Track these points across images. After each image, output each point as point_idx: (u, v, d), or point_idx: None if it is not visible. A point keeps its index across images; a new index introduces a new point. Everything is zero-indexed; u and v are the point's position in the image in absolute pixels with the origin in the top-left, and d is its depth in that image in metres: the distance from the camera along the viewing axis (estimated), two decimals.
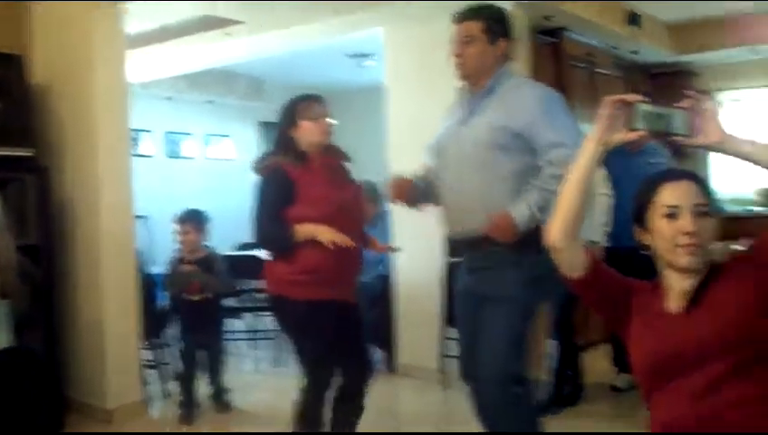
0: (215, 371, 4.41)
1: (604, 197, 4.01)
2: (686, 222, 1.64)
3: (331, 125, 2.96)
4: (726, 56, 7.28)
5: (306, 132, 2.93)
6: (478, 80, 2.68)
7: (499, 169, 2.56)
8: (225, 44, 5.86)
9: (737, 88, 7.45)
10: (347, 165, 3.10)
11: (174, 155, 8.29)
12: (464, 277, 2.75)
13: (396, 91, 5.06)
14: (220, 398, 4.41)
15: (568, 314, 4.16)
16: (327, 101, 3.02)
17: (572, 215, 1.73)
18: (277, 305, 3.01)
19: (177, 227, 4.37)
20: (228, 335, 5.25)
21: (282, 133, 2.98)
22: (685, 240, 1.63)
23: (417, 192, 2.81)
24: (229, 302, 5.22)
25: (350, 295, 3.00)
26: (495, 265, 2.59)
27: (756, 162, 1.58)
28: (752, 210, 7.12)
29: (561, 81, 5.73)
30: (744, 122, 7.20)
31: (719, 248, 3.44)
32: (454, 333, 4.60)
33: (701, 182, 1.71)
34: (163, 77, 7.26)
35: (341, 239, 2.76)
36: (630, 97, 1.63)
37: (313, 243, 2.80)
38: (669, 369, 1.63)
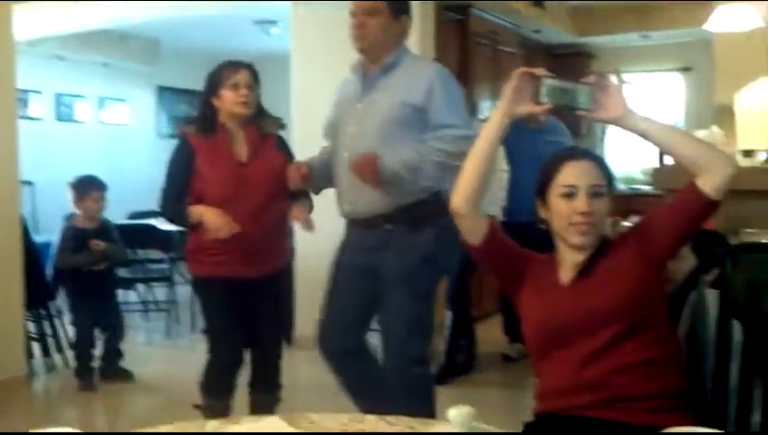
0: (116, 340, 4.31)
1: (503, 173, 4.10)
2: (581, 202, 1.69)
3: (252, 96, 2.80)
4: (621, 40, 7.59)
5: (225, 102, 2.79)
6: (378, 55, 2.64)
7: (400, 147, 2.54)
8: (121, 3, 5.58)
9: (631, 71, 7.78)
10: (276, 135, 2.95)
11: (65, 118, 7.87)
12: (357, 254, 2.70)
13: (300, 61, 4.98)
14: (121, 368, 4.32)
15: (463, 285, 4.25)
16: (257, 71, 2.87)
17: (476, 183, 1.76)
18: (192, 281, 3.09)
19: (73, 193, 4.18)
20: (121, 307, 5.08)
21: (202, 100, 2.87)
22: (579, 219, 1.69)
23: (315, 176, 2.76)
24: (121, 272, 5.05)
25: (249, 271, 2.83)
26: (393, 245, 2.58)
27: (650, 139, 1.66)
28: (638, 189, 7.49)
29: (465, 57, 5.80)
30: (637, 104, 7.53)
31: (609, 224, 3.62)
32: None
33: (600, 163, 1.78)
34: (53, 34, 6.84)
35: (225, 227, 2.65)
36: (537, 71, 1.67)
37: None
38: (558, 337, 1.69)
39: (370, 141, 2.58)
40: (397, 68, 2.63)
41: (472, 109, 5.10)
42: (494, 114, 1.75)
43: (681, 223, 1.66)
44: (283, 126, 3.00)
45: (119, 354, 4.34)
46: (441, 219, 2.56)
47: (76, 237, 4.16)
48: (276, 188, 2.80)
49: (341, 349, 2.75)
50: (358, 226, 2.70)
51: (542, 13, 6.63)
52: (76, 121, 7.96)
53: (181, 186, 2.80)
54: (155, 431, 1.19)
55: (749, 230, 3.41)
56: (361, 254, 2.67)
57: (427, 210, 2.57)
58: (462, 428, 0.96)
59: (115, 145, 8.05)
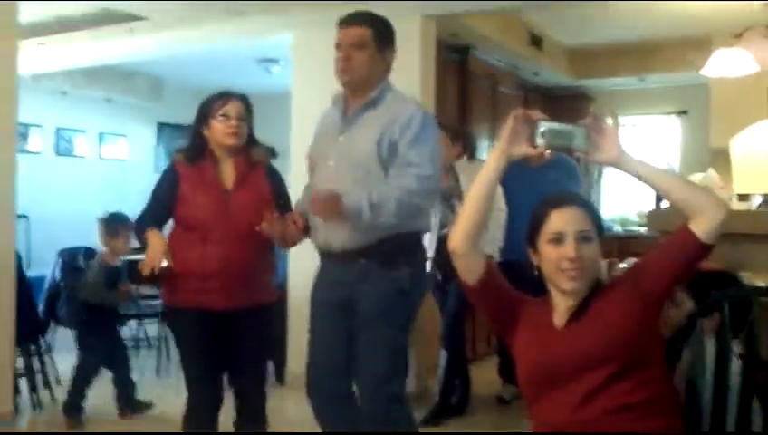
0: (127, 372, 4.33)
1: (500, 212, 4.12)
2: (569, 248, 1.71)
3: (242, 126, 2.80)
4: (619, 83, 7.69)
5: (215, 132, 2.79)
6: (362, 89, 2.61)
7: (377, 183, 2.50)
8: (127, 41, 5.66)
9: (628, 114, 7.86)
10: (267, 164, 2.92)
11: (65, 153, 7.91)
12: (333, 289, 2.62)
13: (301, 97, 5.03)
14: (137, 399, 4.33)
15: (458, 325, 4.23)
16: (249, 103, 2.87)
17: (475, 222, 1.79)
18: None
19: (104, 229, 4.21)
20: None
21: (193, 130, 2.88)
22: (567, 265, 1.71)
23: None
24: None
25: (227, 303, 2.72)
26: (369, 279, 2.53)
27: (644, 181, 1.68)
28: (634, 231, 7.52)
29: (464, 97, 5.88)
30: (634, 146, 7.59)
31: (605, 266, 3.62)
32: None
33: (587, 207, 1.80)
34: (57, 70, 6.93)
35: (150, 263, 2.62)
36: (534, 114, 1.71)
37: (179, 245, 2.73)
38: (552, 378, 1.70)
39: (349, 176, 2.53)
40: (380, 103, 2.61)
41: (471, 149, 5.12)
42: (491, 155, 1.78)
43: (674, 265, 1.68)
44: (274, 155, 2.97)
45: (132, 387, 4.33)
46: (414, 256, 2.62)
47: (108, 275, 4.17)
48: (260, 216, 2.70)
49: (332, 393, 2.65)
50: (333, 260, 2.62)
51: (540, 55, 6.73)
52: (75, 156, 8.00)
53: (160, 209, 2.82)
54: None
55: (744, 274, 3.42)
56: (337, 289, 2.60)
57: (402, 246, 2.55)
58: None
59: (113, 179, 8.09)
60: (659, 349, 1.73)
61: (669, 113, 7.94)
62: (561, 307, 1.76)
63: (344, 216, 2.43)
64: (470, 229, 1.79)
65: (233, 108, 2.79)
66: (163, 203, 2.81)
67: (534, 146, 1.70)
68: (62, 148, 7.89)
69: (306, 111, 4.92)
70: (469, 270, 1.81)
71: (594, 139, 1.68)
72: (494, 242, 3.97)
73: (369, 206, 2.42)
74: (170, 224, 2.87)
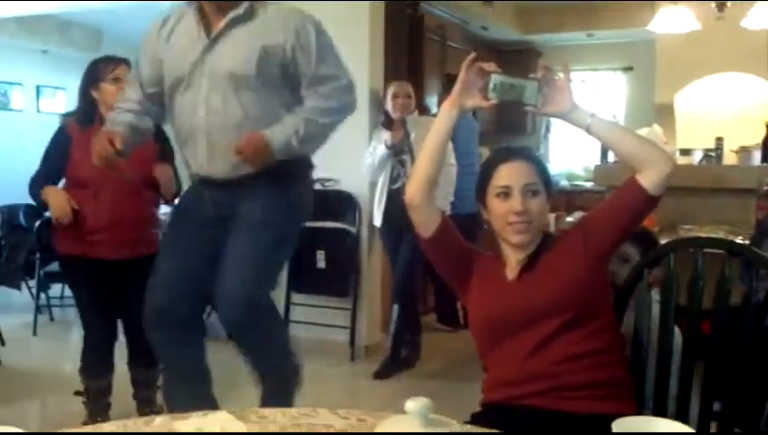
0: None
1: (450, 167, 4.14)
2: (516, 202, 1.73)
3: None
4: (567, 39, 7.75)
5: (105, 95, 2.89)
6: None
7: (262, 103, 2.30)
8: None
9: (575, 69, 7.94)
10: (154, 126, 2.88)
11: (1, 106, 7.61)
12: (207, 208, 2.40)
13: None
14: None
15: (411, 279, 4.27)
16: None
17: (430, 173, 1.79)
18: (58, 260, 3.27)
19: None
20: None
21: (82, 91, 2.97)
22: (514, 218, 1.73)
23: (129, 140, 2.43)
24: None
25: (121, 253, 2.93)
26: (249, 198, 2.34)
27: (594, 134, 1.70)
28: (580, 185, 7.67)
29: (414, 51, 5.83)
30: (581, 102, 7.71)
31: (553, 220, 3.69)
32: (299, 298, 4.64)
33: (534, 161, 1.81)
34: None
35: (59, 216, 2.82)
36: (487, 65, 1.70)
37: (73, 199, 2.87)
38: (503, 330, 1.72)
39: (223, 97, 2.29)
40: (258, 13, 2.32)
41: (421, 104, 5.12)
42: (443, 107, 1.78)
43: (622, 217, 1.71)
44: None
45: None
46: (302, 177, 2.50)
47: None
48: (147, 173, 2.91)
49: (178, 317, 2.39)
50: (212, 185, 2.39)
51: (489, 10, 6.71)
52: (12, 110, 7.70)
53: (52, 171, 2.95)
54: (101, 432, 1.16)
55: (687, 226, 3.53)
56: (211, 208, 2.40)
57: (290, 168, 2.39)
58: (419, 419, 0.96)
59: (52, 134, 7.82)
60: (608, 299, 1.77)
61: (615, 69, 8.05)
62: (512, 261, 1.78)
63: (273, 157, 2.27)
64: (425, 181, 1.79)
65: (123, 71, 2.87)
66: (55, 165, 2.94)
67: (486, 99, 1.70)
68: None
69: None
70: (424, 223, 1.81)
71: (546, 92, 1.68)
72: (444, 197, 4.00)
73: (299, 142, 2.29)
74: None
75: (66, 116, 3.13)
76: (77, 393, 3.13)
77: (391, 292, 4.42)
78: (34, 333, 5.01)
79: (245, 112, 2.29)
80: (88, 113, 2.94)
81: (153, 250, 2.98)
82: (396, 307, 4.28)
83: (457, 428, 1.08)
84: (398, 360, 4.29)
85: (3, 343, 4.56)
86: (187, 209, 2.53)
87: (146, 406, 3.14)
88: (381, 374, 4.18)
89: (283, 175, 2.36)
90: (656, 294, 1.82)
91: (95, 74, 2.92)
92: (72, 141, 2.92)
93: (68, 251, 3.01)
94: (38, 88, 7.95)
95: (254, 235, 2.33)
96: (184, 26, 2.37)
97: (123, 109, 2.50)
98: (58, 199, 2.85)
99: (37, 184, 2.95)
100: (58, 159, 2.93)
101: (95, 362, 3.08)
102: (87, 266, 2.96)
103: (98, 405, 3.09)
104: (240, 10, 2.29)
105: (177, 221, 2.56)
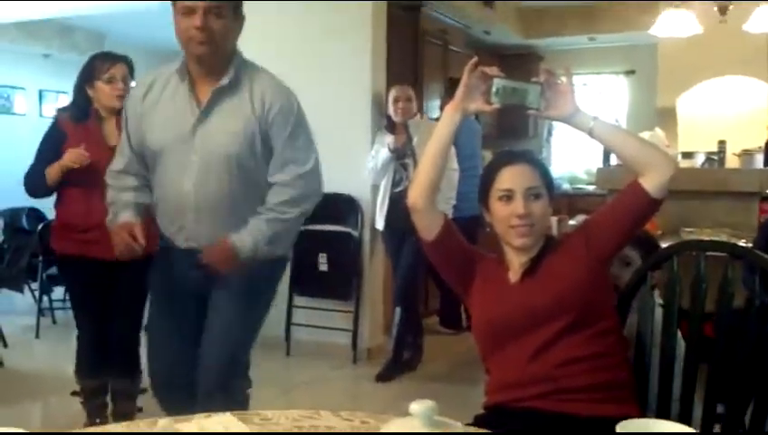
0: None
1: (452, 172, 4.14)
2: (518, 205, 1.73)
3: (127, 89, 2.85)
4: (569, 42, 7.76)
5: (99, 93, 2.92)
6: (215, 65, 2.17)
7: (251, 178, 2.24)
8: None
9: (577, 73, 7.94)
10: None
11: (4, 111, 7.63)
12: (184, 280, 2.32)
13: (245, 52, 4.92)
14: None
15: (413, 282, 4.28)
16: (132, 65, 2.98)
17: (432, 177, 1.79)
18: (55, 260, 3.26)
19: None
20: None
21: (77, 87, 2.98)
22: (517, 222, 1.73)
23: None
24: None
25: (107, 252, 2.58)
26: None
27: (597, 137, 1.70)
28: (582, 188, 7.67)
29: (416, 55, 5.83)
30: (583, 105, 7.72)
31: (555, 223, 3.69)
32: (301, 301, 4.64)
33: (537, 164, 1.81)
34: None
35: (76, 156, 2.80)
36: (489, 69, 1.70)
37: (68, 198, 2.92)
38: (505, 333, 1.72)
39: (210, 174, 2.20)
40: (241, 84, 2.20)
41: (421, 108, 5.12)
42: (446, 111, 1.78)
43: (624, 220, 1.71)
44: None
45: None
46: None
47: None
48: None
49: (179, 387, 2.34)
50: (193, 254, 2.28)
51: (491, 13, 6.72)
52: (15, 114, 7.71)
53: (45, 165, 2.91)
54: (105, 431, 1.17)
55: (689, 229, 3.53)
56: (193, 278, 2.29)
57: None
58: (424, 421, 0.96)
59: None
60: (610, 302, 1.77)
61: (618, 73, 8.05)
62: (515, 264, 1.78)
63: (239, 260, 2.21)
64: (428, 185, 1.80)
65: (119, 70, 2.90)
66: (50, 160, 2.90)
67: (489, 103, 1.70)
68: (1, 106, 7.60)
69: None
70: (427, 226, 1.81)
71: (548, 95, 1.69)
72: (446, 201, 4.00)
73: (266, 243, 2.23)
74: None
75: (61, 111, 3.12)
76: (74, 394, 3.15)
77: (393, 295, 4.42)
78: (37, 336, 5.02)
79: (234, 188, 2.23)
80: (82, 109, 2.95)
81: (150, 250, 2.90)
82: (398, 310, 4.28)
83: (461, 430, 1.08)
84: (400, 362, 4.29)
85: (5, 346, 4.57)
86: (168, 279, 2.39)
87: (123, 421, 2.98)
88: (383, 377, 4.18)
89: None
90: (658, 298, 1.82)
91: (91, 72, 2.93)
92: (66, 137, 2.92)
93: (65, 251, 3.02)
94: (40, 92, 7.97)
95: (236, 306, 2.29)
96: (169, 92, 2.25)
97: (123, 187, 2.37)
98: (71, 153, 2.82)
99: (32, 178, 2.96)
100: (52, 154, 2.91)
101: (89, 363, 3.07)
102: (83, 266, 2.95)
103: (94, 405, 3.09)
104: (225, 80, 2.18)
105: (161, 291, 2.44)
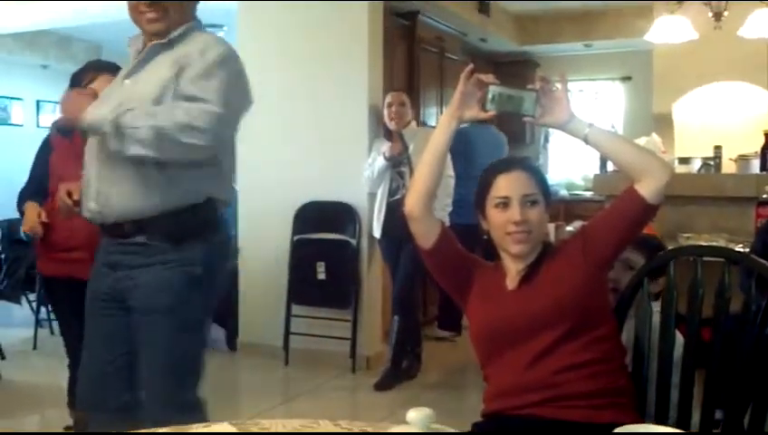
0: None
1: (448, 179, 4.15)
2: (514, 212, 1.74)
3: None
4: (564, 49, 7.78)
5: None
6: (166, 29, 2.05)
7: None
8: (62, 4, 5.44)
9: (572, 79, 7.96)
10: None
11: (1, 121, 7.63)
12: (102, 277, 2.11)
13: (246, 62, 4.93)
14: None
15: (411, 290, 4.28)
16: (119, 70, 2.66)
17: (428, 185, 1.80)
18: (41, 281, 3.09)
19: None
20: None
21: None
22: (513, 229, 1.74)
23: None
24: None
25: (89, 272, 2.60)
26: (148, 265, 2.02)
27: (592, 144, 1.71)
28: (579, 195, 7.68)
29: (412, 62, 5.85)
30: (579, 111, 7.74)
31: (552, 229, 3.69)
32: (299, 310, 4.63)
33: (533, 171, 1.82)
34: None
35: (28, 228, 2.71)
36: (485, 77, 1.71)
37: (50, 216, 2.75)
38: (503, 340, 1.73)
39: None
40: (179, 43, 2.05)
41: (418, 115, 5.14)
42: (442, 118, 1.79)
43: (621, 226, 1.71)
44: None
45: None
46: (211, 233, 2.09)
47: None
48: None
49: (108, 407, 2.12)
50: (105, 234, 2.10)
51: (487, 21, 6.74)
52: (12, 124, 7.72)
53: (37, 184, 2.83)
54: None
55: (686, 235, 3.53)
56: (106, 276, 2.09)
57: (194, 221, 2.03)
58: (421, 429, 0.96)
59: None
60: (607, 309, 1.77)
61: (613, 79, 8.07)
62: (513, 271, 1.78)
63: (82, 121, 1.91)
64: (424, 192, 1.80)
65: (100, 84, 2.61)
66: (39, 178, 2.82)
67: (485, 110, 1.71)
68: None
69: (250, 76, 4.84)
70: (424, 234, 1.82)
71: (544, 102, 1.70)
72: (442, 208, 4.01)
73: (113, 125, 1.86)
74: None
75: (53, 125, 3.06)
76: (67, 429, 2.98)
77: (392, 303, 4.42)
78: (35, 348, 5.00)
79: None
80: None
81: None
82: (396, 318, 4.27)
83: None
84: (399, 371, 4.28)
85: (3, 357, 4.56)
86: (89, 286, 2.18)
87: None
88: (382, 386, 4.17)
89: (183, 230, 2.02)
90: (656, 305, 1.81)
91: (75, 84, 2.76)
92: (53, 150, 2.86)
93: (51, 273, 2.90)
94: (38, 103, 7.98)
95: (157, 329, 2.01)
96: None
97: None
98: (29, 212, 2.78)
99: (23, 199, 2.89)
100: (41, 172, 2.85)
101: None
102: (71, 288, 2.71)
103: None
104: (164, 39, 2.05)
105: (90, 303, 2.19)
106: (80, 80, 2.75)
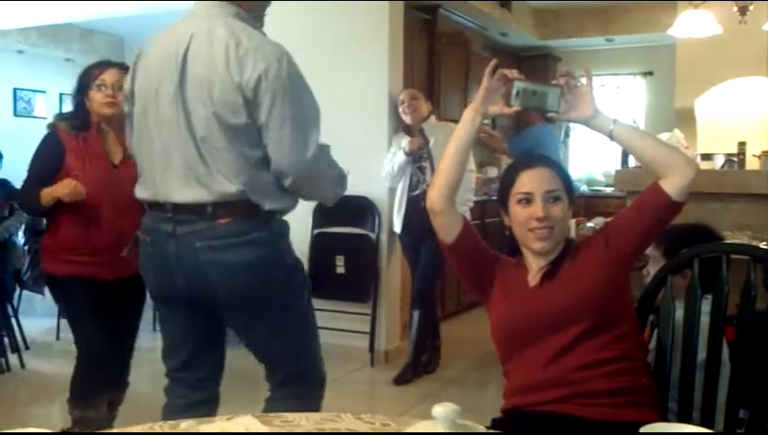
0: None
1: (470, 173, 4.14)
2: (536, 208, 1.73)
3: (118, 96, 2.65)
4: (586, 44, 7.72)
5: (92, 102, 2.72)
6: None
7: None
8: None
9: (594, 74, 7.90)
10: None
11: (25, 114, 7.71)
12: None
13: None
14: None
15: (431, 285, 4.28)
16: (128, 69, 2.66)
17: (451, 180, 1.79)
18: (47, 280, 2.91)
19: None
20: None
21: (75, 99, 2.79)
22: (536, 225, 1.73)
23: None
24: None
25: (117, 273, 2.71)
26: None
27: (616, 139, 1.70)
28: (600, 191, 7.63)
29: (433, 57, 5.84)
30: (601, 106, 7.69)
31: (573, 225, 3.67)
32: (318, 304, 4.63)
33: (556, 167, 1.81)
34: (12, 28, 6.70)
35: (72, 188, 2.55)
36: (509, 72, 1.71)
37: (69, 219, 2.66)
38: (525, 337, 1.72)
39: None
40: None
41: (438, 109, 5.13)
42: (465, 113, 1.78)
43: (645, 223, 1.70)
44: None
45: None
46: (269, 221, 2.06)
47: None
48: None
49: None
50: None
51: (508, 15, 6.70)
52: (35, 117, 7.80)
53: (44, 179, 2.66)
54: (126, 431, 1.18)
55: None
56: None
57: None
58: (446, 425, 0.97)
59: None
60: (630, 306, 1.76)
61: (635, 74, 8.00)
62: (534, 268, 1.78)
63: None
64: (447, 187, 1.80)
65: (109, 76, 2.71)
66: (49, 172, 2.67)
67: (509, 105, 1.70)
68: (21, 109, 7.69)
69: None
70: (446, 228, 1.81)
71: (568, 98, 1.69)
72: (463, 202, 4.00)
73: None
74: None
75: (59, 119, 2.85)
76: (63, 432, 2.91)
77: (411, 297, 4.43)
78: (57, 338, 5.06)
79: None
80: (81, 120, 2.74)
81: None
82: (416, 313, 4.27)
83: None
84: (419, 365, 4.28)
85: (27, 347, 4.62)
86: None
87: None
88: (401, 380, 4.18)
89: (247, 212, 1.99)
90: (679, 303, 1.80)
91: (84, 81, 2.76)
92: (64, 149, 2.70)
93: (62, 272, 2.74)
94: (61, 96, 8.05)
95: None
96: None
97: None
98: (65, 185, 2.59)
99: (26, 197, 2.76)
100: (50, 168, 2.68)
101: (90, 389, 2.79)
102: (85, 286, 2.71)
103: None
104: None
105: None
106: (88, 78, 2.73)
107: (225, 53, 1.90)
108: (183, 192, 1.97)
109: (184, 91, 1.94)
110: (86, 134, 2.72)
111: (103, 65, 2.76)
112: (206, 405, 2.18)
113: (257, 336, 2.12)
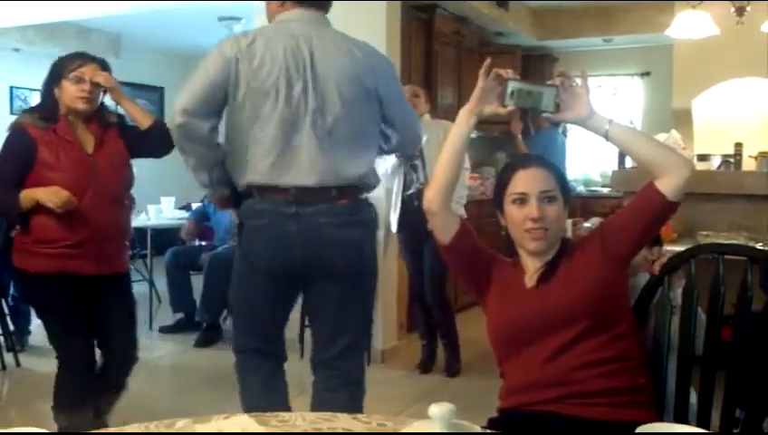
0: None
1: (464, 171, 4.13)
2: (531, 208, 1.73)
3: (96, 92, 2.66)
4: (584, 44, 7.73)
5: (65, 94, 2.62)
6: None
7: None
8: None
9: (592, 74, 7.90)
10: (117, 124, 2.79)
11: (20, 111, 7.69)
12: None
13: None
14: None
15: (443, 284, 4.29)
16: (108, 68, 2.74)
17: (448, 179, 1.79)
18: (17, 278, 2.84)
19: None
20: None
21: (44, 90, 2.70)
22: (531, 225, 1.73)
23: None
24: None
25: (100, 268, 2.66)
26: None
27: (612, 140, 1.70)
28: (597, 191, 7.64)
29: (430, 55, 5.84)
30: (598, 107, 7.68)
31: (570, 226, 3.67)
32: None
33: (551, 168, 1.81)
34: (9, 26, 6.69)
35: (66, 200, 2.50)
36: (505, 72, 1.71)
37: (46, 211, 2.55)
38: (521, 337, 1.72)
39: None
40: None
41: (435, 108, 5.12)
42: (460, 113, 1.78)
43: (641, 223, 1.70)
44: (121, 117, 2.84)
45: None
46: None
47: None
48: (124, 178, 2.75)
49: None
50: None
51: (506, 15, 6.71)
52: None
53: (16, 177, 2.58)
54: (122, 431, 1.18)
55: (704, 233, 3.50)
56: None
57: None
58: (443, 424, 0.97)
59: None
60: (627, 307, 1.76)
61: (633, 74, 8.01)
62: (531, 268, 1.78)
63: None
64: (444, 187, 1.80)
65: (89, 71, 2.64)
66: (20, 168, 2.58)
67: (504, 105, 1.70)
68: (17, 107, 7.67)
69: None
70: (443, 229, 1.82)
71: (564, 98, 1.68)
72: (457, 201, 3.99)
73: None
74: None
75: (26, 113, 2.76)
76: None
77: (412, 296, 4.44)
78: None
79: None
80: (50, 111, 2.64)
81: (127, 265, 2.86)
82: (436, 312, 4.30)
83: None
84: (435, 353, 4.40)
85: (22, 346, 4.60)
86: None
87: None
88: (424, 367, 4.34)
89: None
90: (676, 299, 1.80)
91: (58, 71, 2.65)
92: (35, 143, 2.58)
93: (39, 269, 2.61)
94: None
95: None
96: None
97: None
98: (50, 192, 2.52)
99: (2, 194, 2.60)
100: (21, 164, 2.58)
101: (74, 393, 2.71)
102: (64, 283, 2.61)
103: None
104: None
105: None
106: (65, 67, 2.64)
107: (348, 51, 2.26)
108: (309, 177, 2.21)
109: (315, 86, 2.21)
110: (55, 126, 2.62)
111: (84, 58, 2.69)
112: (280, 371, 2.66)
113: (351, 305, 2.39)
